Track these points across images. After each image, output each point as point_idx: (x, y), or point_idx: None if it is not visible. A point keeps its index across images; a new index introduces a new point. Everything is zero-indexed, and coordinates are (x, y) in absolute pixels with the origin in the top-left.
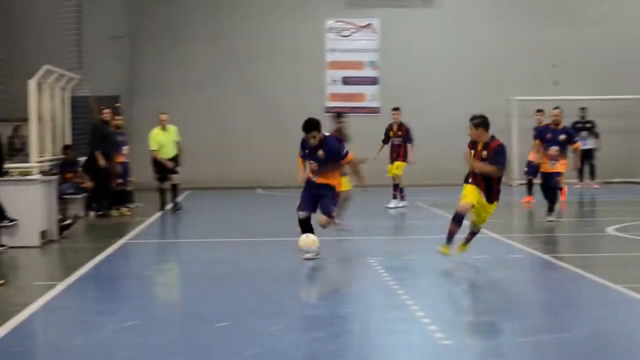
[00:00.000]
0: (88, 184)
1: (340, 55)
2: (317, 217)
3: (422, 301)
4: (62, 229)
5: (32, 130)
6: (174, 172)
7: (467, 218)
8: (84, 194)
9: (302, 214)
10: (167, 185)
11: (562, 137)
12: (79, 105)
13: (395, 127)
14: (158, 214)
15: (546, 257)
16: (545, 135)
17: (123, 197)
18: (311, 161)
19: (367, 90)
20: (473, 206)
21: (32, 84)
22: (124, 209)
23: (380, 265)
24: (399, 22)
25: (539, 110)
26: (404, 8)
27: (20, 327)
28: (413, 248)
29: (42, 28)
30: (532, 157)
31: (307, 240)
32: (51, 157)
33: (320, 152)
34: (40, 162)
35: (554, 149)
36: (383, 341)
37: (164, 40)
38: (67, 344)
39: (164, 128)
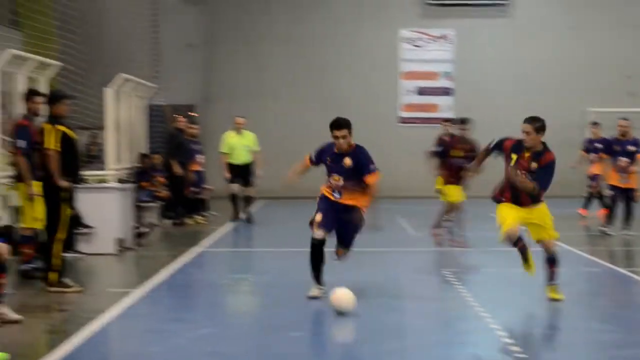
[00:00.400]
0: (164, 192)
1: (415, 65)
2: (336, 247)
3: (497, 313)
4: (138, 236)
5: (109, 138)
6: (248, 183)
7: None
8: (160, 202)
9: (320, 234)
10: (237, 189)
11: (631, 148)
12: (155, 114)
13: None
14: (232, 223)
15: (623, 271)
16: (612, 147)
17: (198, 206)
18: (334, 174)
19: (440, 101)
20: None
21: (109, 92)
22: (198, 217)
23: (455, 277)
24: (474, 33)
25: (594, 123)
26: (480, 19)
27: (96, 334)
28: (488, 260)
29: (120, 36)
30: (595, 170)
31: (350, 297)
32: (127, 165)
33: (347, 161)
34: (117, 170)
35: (623, 161)
36: (458, 353)
37: (239, 48)
38: (143, 352)
39: (238, 132)
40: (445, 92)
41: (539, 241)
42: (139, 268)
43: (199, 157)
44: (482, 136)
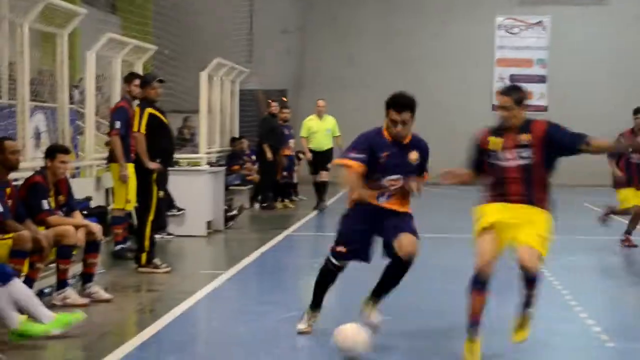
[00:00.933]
0: (255, 176)
1: (509, 52)
2: (400, 244)
3: (586, 302)
4: (228, 219)
5: (202, 122)
6: (325, 168)
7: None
8: (250, 186)
9: (341, 260)
10: (321, 177)
11: None
12: (247, 98)
13: None
14: (315, 212)
15: None
16: None
17: (287, 190)
18: (391, 175)
19: (534, 88)
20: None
21: (203, 76)
22: (288, 202)
23: (544, 265)
24: (570, 20)
25: None
26: (576, 6)
27: (185, 314)
28: (578, 248)
29: (215, 21)
30: None
31: (360, 334)
32: (219, 149)
33: (414, 155)
34: (209, 153)
35: None
36: (546, 342)
37: (333, 36)
38: (231, 332)
39: (319, 116)
40: (540, 79)
41: (515, 243)
42: (229, 250)
43: (291, 142)
44: (576, 125)
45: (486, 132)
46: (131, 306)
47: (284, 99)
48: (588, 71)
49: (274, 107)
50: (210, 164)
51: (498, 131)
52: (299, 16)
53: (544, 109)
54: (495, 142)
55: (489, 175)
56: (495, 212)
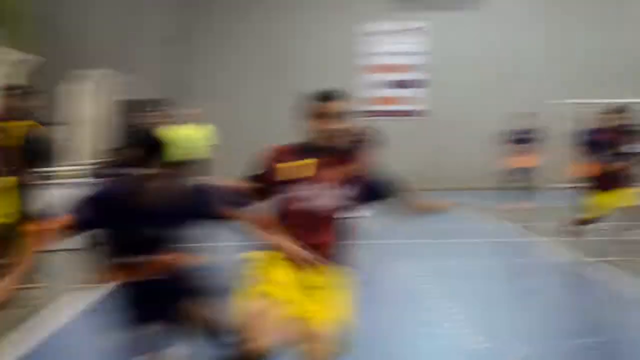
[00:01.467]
0: None
1: (386, 58)
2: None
3: (460, 304)
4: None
5: (79, 133)
6: None
7: None
8: None
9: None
10: None
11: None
12: (125, 109)
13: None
14: None
15: (591, 260)
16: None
17: None
18: (135, 251)
19: (412, 93)
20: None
21: (80, 86)
22: None
23: (418, 269)
24: (446, 25)
25: (520, 114)
26: (452, 10)
27: (62, 330)
28: (451, 252)
29: (94, 29)
30: (525, 162)
31: None
32: (98, 160)
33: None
34: (87, 164)
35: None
36: (420, 345)
37: (214, 44)
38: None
39: (191, 124)
40: (417, 84)
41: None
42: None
43: None
44: (459, 130)
45: (290, 150)
46: None
47: (166, 107)
48: (464, 75)
49: (151, 117)
50: (90, 175)
51: (306, 152)
52: (179, 25)
53: (422, 114)
54: (293, 168)
55: (279, 215)
56: (283, 278)
